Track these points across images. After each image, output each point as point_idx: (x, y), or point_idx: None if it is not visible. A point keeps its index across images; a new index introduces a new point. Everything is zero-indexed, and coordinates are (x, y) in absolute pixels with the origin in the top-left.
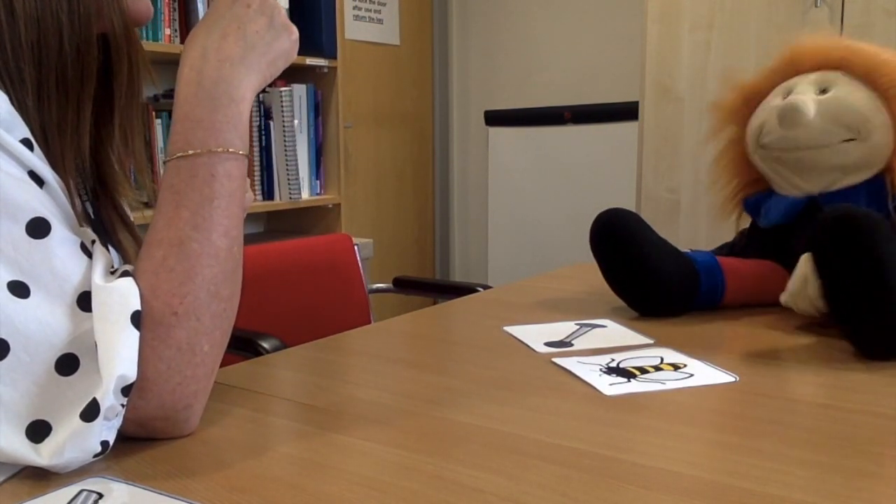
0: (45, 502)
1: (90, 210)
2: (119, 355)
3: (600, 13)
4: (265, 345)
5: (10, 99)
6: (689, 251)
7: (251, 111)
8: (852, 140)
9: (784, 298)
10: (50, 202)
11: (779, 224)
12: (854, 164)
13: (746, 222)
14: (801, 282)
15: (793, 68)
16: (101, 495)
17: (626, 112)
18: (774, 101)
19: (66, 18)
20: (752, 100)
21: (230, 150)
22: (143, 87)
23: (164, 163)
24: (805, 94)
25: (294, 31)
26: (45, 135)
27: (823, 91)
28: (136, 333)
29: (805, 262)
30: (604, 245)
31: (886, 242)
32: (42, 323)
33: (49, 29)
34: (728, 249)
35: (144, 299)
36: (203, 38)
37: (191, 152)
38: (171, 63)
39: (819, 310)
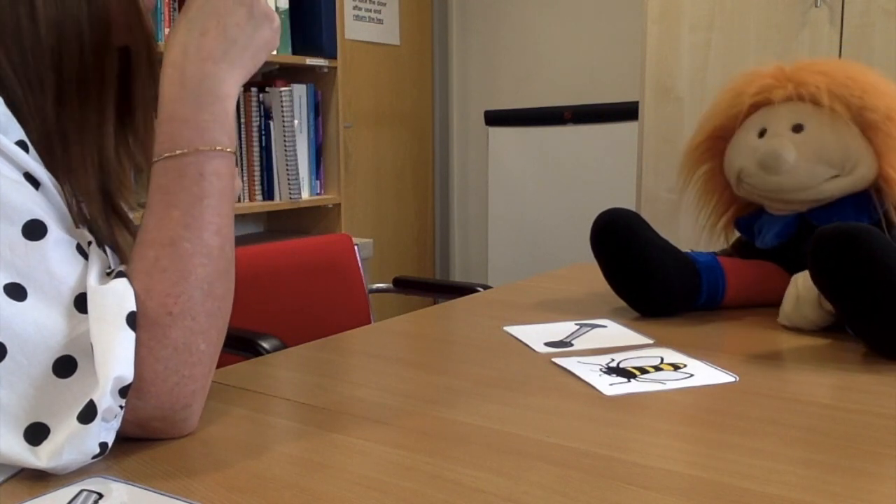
0: (45, 502)
1: (86, 211)
2: (115, 357)
3: (600, 13)
4: (265, 345)
5: (6, 100)
6: (689, 251)
7: (251, 110)
8: (836, 176)
9: (780, 319)
10: (46, 204)
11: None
12: (840, 195)
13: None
14: (794, 301)
15: (760, 98)
16: (101, 495)
17: (626, 112)
18: (749, 138)
19: (87, 23)
20: (721, 137)
21: (217, 148)
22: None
23: (152, 163)
24: (781, 136)
25: (275, 19)
26: (66, 138)
27: (797, 126)
28: (131, 335)
29: (795, 283)
30: (604, 245)
31: (884, 248)
32: (39, 325)
33: (70, 33)
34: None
35: (139, 300)
36: (183, 35)
37: (178, 152)
38: None
39: (816, 324)
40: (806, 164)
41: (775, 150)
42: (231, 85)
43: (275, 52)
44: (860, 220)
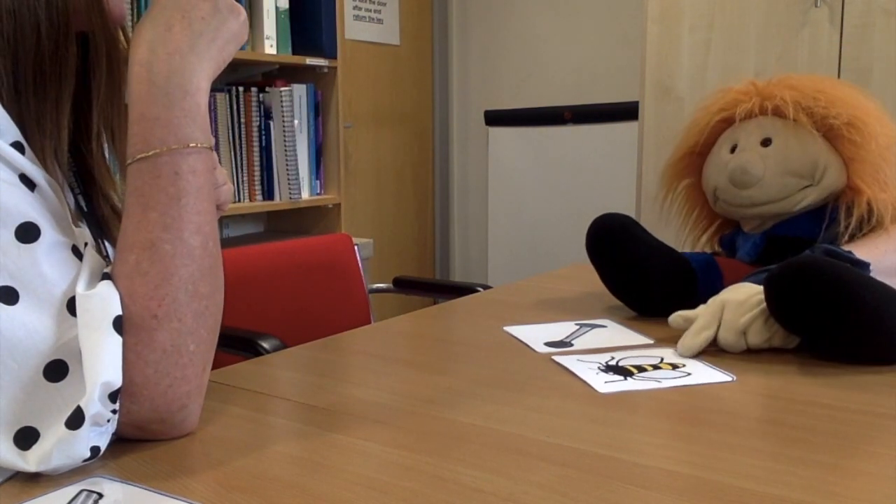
0: (46, 502)
1: (83, 203)
2: (102, 362)
3: (600, 13)
4: (265, 345)
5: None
6: (686, 252)
7: (251, 110)
8: (808, 186)
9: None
10: (41, 206)
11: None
12: (814, 204)
13: None
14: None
15: (728, 114)
16: (101, 495)
17: (626, 112)
18: (721, 154)
19: (44, 13)
20: (697, 154)
21: (191, 144)
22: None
23: (126, 166)
24: (750, 150)
25: (241, 12)
26: (24, 130)
27: (766, 140)
28: (118, 339)
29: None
30: (599, 250)
31: (840, 277)
32: (29, 329)
33: (26, 22)
34: None
35: (123, 304)
36: (148, 32)
37: (151, 153)
38: None
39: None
40: (775, 177)
41: (742, 166)
42: (201, 78)
43: (275, 52)
44: (815, 230)
